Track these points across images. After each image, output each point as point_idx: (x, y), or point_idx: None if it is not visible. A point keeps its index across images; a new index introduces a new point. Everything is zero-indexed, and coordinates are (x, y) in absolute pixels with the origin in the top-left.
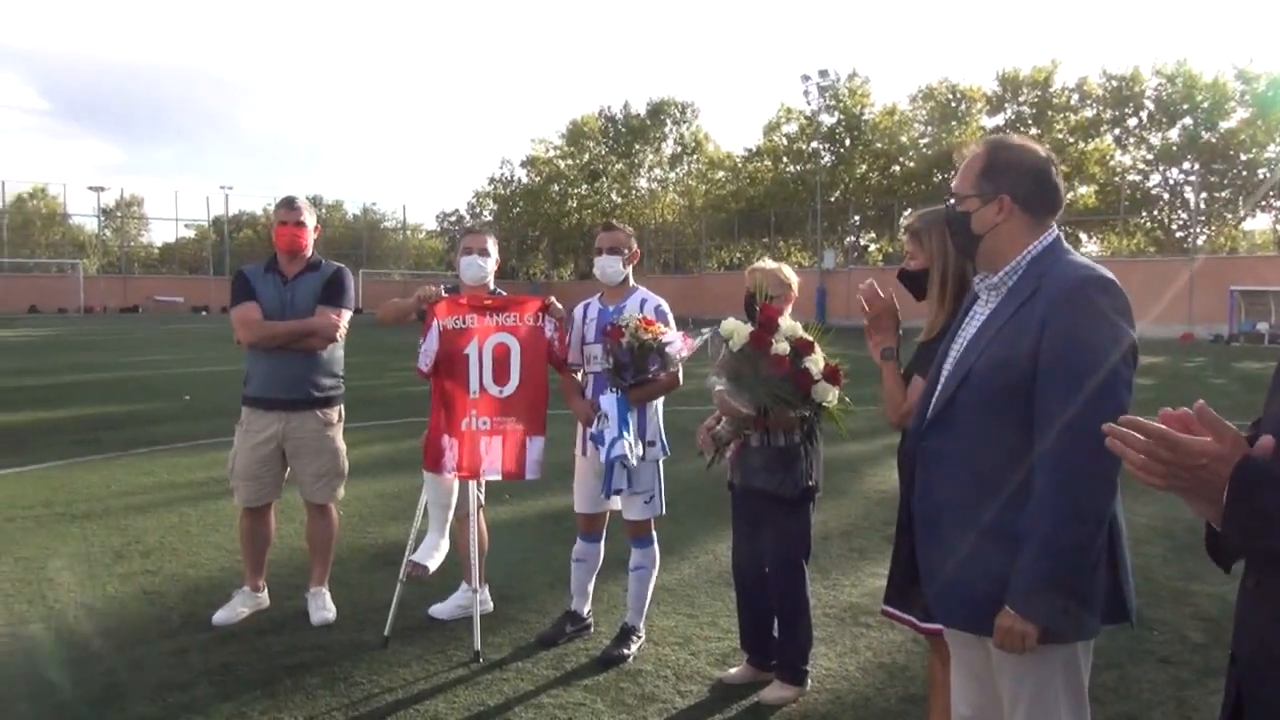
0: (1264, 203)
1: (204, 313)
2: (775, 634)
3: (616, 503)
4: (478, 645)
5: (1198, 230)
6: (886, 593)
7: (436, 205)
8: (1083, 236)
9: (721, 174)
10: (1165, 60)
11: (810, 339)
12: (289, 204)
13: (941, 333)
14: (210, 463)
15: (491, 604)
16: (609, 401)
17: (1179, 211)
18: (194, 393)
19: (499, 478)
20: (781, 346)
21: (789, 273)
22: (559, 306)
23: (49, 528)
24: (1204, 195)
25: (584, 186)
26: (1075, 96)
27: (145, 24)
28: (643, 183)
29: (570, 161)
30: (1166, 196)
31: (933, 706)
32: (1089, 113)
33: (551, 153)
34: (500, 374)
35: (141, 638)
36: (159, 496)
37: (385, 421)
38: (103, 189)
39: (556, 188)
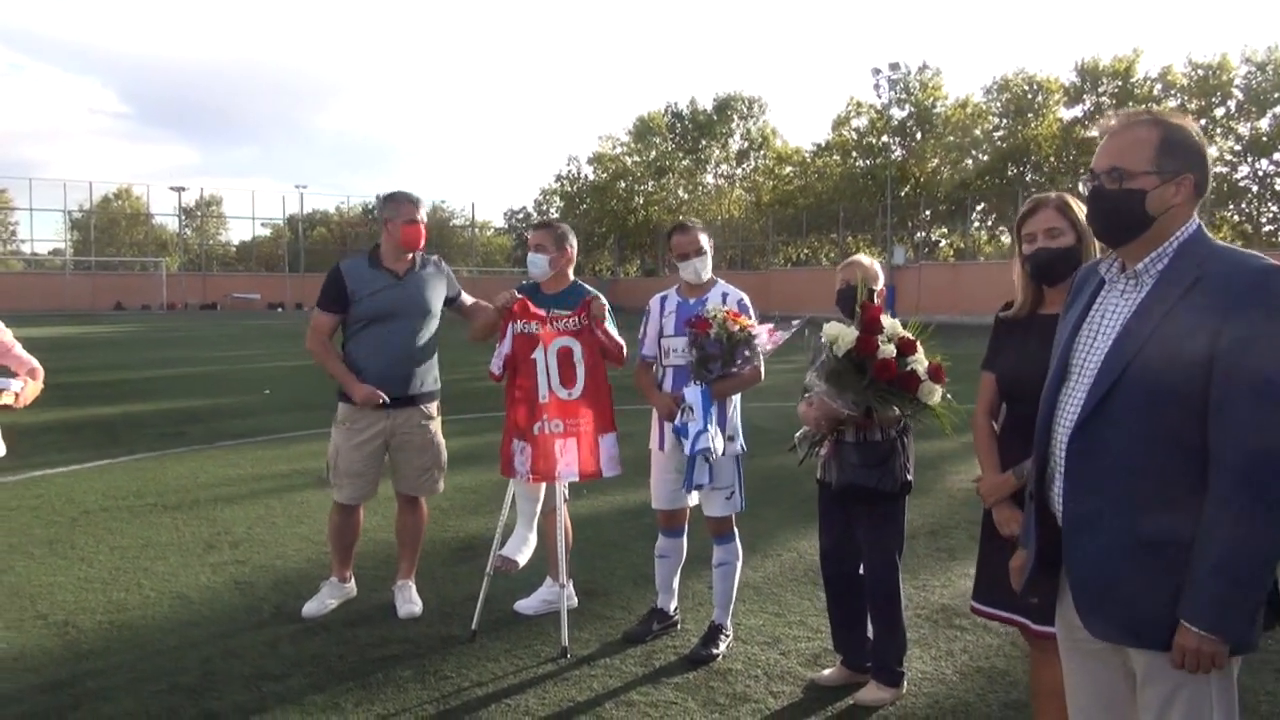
0: None
1: (279, 309)
2: (869, 635)
3: (694, 497)
4: (565, 641)
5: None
6: (980, 590)
7: (504, 203)
8: None
9: (789, 169)
10: (1255, 47)
11: (912, 338)
12: (414, 201)
13: (1029, 314)
14: (292, 455)
15: (576, 600)
16: (693, 394)
17: (1269, 204)
18: (273, 387)
19: (577, 479)
20: (888, 349)
21: (879, 269)
22: (600, 303)
23: (142, 518)
24: None
25: (651, 183)
26: (1158, 87)
27: (217, 28)
28: (709, 179)
29: (637, 158)
30: (1255, 189)
31: (1039, 712)
32: (1173, 103)
33: (618, 149)
34: (567, 376)
35: (234, 627)
36: (244, 489)
37: (464, 415)
38: (183, 189)
39: (623, 184)
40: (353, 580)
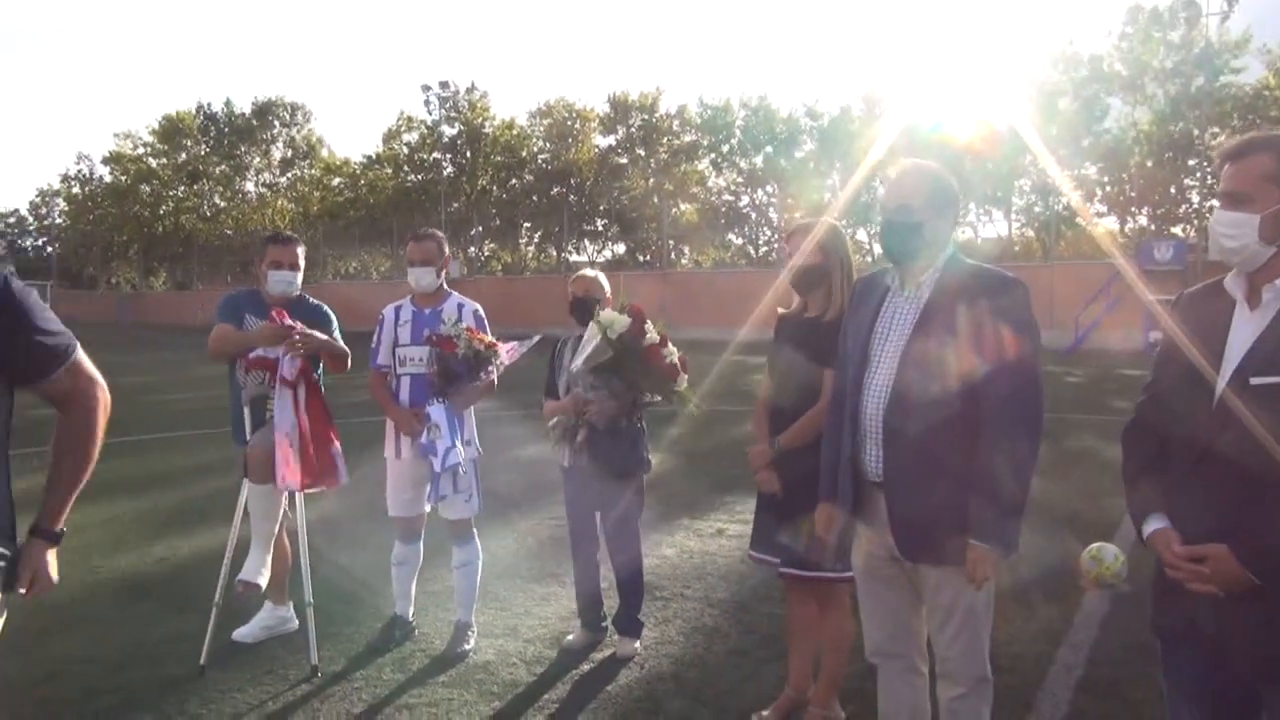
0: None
1: None
2: (602, 599)
3: (429, 504)
4: (315, 659)
5: (780, 246)
6: (754, 541)
7: None
8: (686, 250)
9: (339, 181)
10: (751, 95)
11: (664, 334)
12: None
13: (798, 315)
14: None
15: (297, 621)
16: (438, 412)
17: (764, 229)
18: None
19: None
20: (653, 337)
21: (604, 279)
22: (310, 336)
23: None
24: (784, 215)
25: (181, 188)
26: (677, 123)
27: None
28: (250, 187)
29: (164, 160)
30: (754, 215)
31: (794, 648)
32: (689, 138)
33: (141, 150)
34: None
35: None
36: None
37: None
38: None
39: (148, 188)
40: None
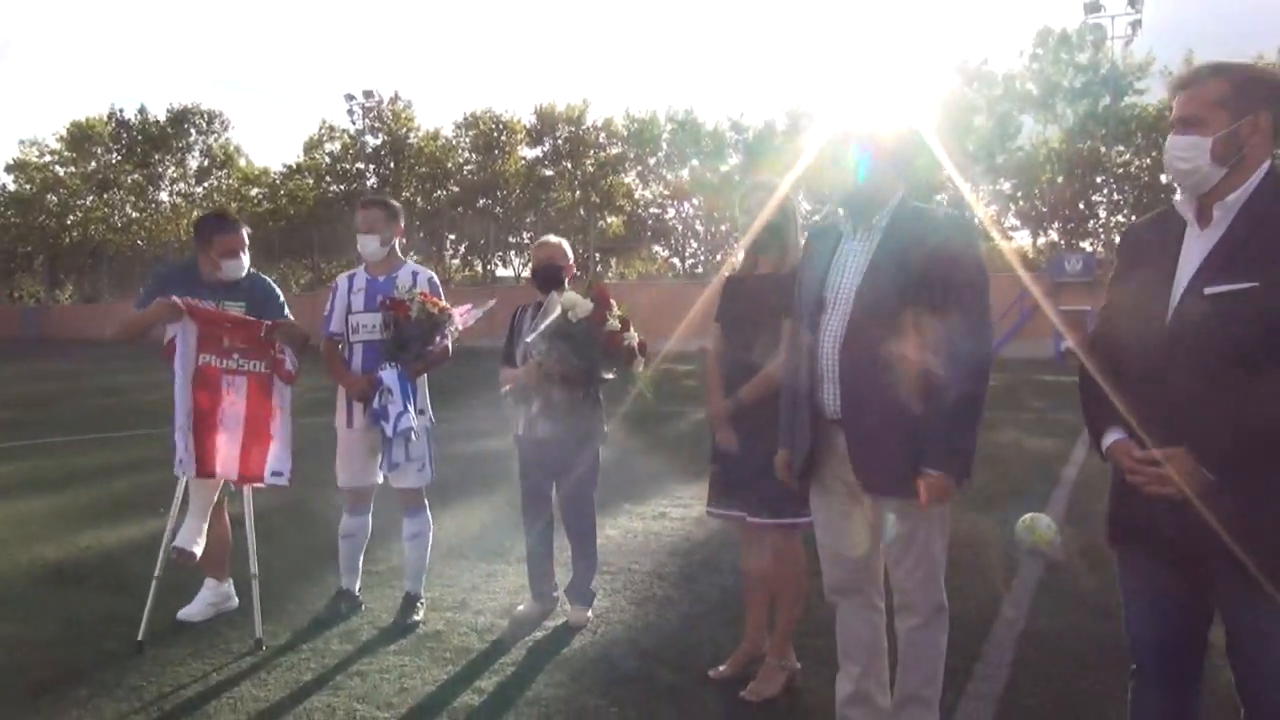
0: None
1: None
2: (553, 570)
3: (379, 475)
4: (259, 632)
5: (706, 258)
6: (711, 499)
7: None
8: (613, 262)
9: (257, 191)
10: (677, 108)
11: (627, 318)
12: None
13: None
14: None
15: (237, 600)
16: (390, 377)
17: (691, 241)
18: None
19: (234, 479)
20: (614, 324)
21: (567, 247)
22: (289, 325)
23: None
24: (711, 228)
25: (90, 198)
26: (604, 135)
27: None
28: (164, 197)
29: (73, 169)
30: (680, 228)
31: (750, 602)
32: (616, 150)
33: (48, 158)
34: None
35: None
36: None
37: None
38: None
39: (55, 198)
40: None
